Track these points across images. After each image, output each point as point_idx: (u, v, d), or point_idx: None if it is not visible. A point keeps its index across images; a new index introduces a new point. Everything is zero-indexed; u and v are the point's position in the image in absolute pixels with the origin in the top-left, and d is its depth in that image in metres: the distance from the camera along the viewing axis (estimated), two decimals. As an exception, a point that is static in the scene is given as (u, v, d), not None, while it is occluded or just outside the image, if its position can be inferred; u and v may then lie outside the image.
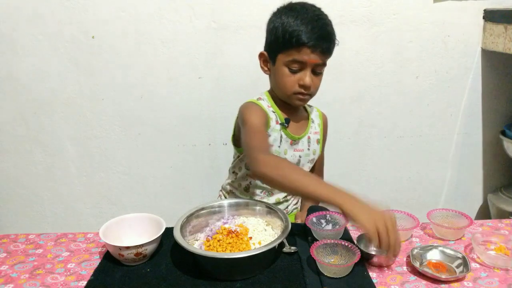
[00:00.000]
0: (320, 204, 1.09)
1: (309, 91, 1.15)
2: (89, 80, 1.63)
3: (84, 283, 0.89)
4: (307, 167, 1.27)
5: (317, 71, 1.13)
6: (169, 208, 1.81)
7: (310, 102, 1.35)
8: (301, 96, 1.15)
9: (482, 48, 1.67)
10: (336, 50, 1.51)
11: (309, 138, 1.26)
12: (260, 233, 1.00)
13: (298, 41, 1.08)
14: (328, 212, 1.06)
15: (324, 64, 1.14)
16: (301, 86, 1.13)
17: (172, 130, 1.71)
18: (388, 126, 1.77)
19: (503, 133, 1.70)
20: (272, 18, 1.16)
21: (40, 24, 1.55)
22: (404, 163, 1.84)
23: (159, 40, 1.58)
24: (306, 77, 1.11)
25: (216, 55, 1.61)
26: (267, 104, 1.20)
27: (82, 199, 1.81)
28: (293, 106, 1.21)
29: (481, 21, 1.64)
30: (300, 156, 1.23)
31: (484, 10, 1.62)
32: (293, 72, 1.13)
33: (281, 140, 1.19)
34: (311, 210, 1.09)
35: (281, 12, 1.15)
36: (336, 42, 1.15)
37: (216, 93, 1.66)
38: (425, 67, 1.69)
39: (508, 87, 1.75)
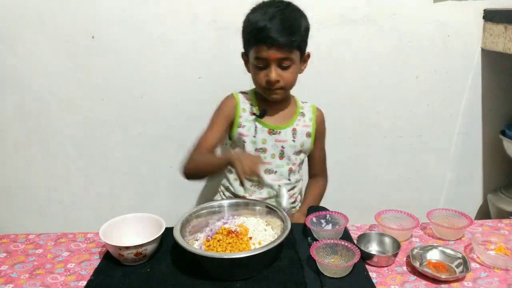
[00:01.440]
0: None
1: (278, 86, 1.18)
2: (89, 80, 1.63)
3: (84, 283, 0.90)
4: (293, 158, 1.30)
5: (283, 65, 1.15)
6: (169, 208, 1.80)
7: (308, 99, 1.36)
8: (271, 91, 1.19)
9: (482, 48, 1.67)
10: (336, 50, 1.50)
11: (294, 130, 1.28)
12: (260, 233, 1.00)
13: (255, 39, 1.13)
14: (328, 212, 1.06)
15: (288, 59, 1.15)
16: (267, 82, 1.16)
17: (172, 130, 1.71)
18: (388, 126, 1.77)
19: (503, 133, 1.70)
20: (244, 18, 1.21)
21: (40, 24, 1.55)
22: (404, 163, 1.83)
23: (159, 40, 1.58)
24: (271, 73, 1.15)
25: (216, 55, 1.61)
26: (246, 97, 1.29)
27: (82, 199, 1.81)
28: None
29: (481, 21, 1.63)
30: (283, 147, 1.27)
31: (484, 10, 1.62)
32: (260, 68, 1.17)
33: (256, 130, 1.25)
34: (311, 210, 1.10)
35: (249, 12, 1.20)
36: (303, 33, 1.16)
37: (216, 93, 1.65)
38: (425, 67, 1.69)
39: (508, 87, 1.75)
